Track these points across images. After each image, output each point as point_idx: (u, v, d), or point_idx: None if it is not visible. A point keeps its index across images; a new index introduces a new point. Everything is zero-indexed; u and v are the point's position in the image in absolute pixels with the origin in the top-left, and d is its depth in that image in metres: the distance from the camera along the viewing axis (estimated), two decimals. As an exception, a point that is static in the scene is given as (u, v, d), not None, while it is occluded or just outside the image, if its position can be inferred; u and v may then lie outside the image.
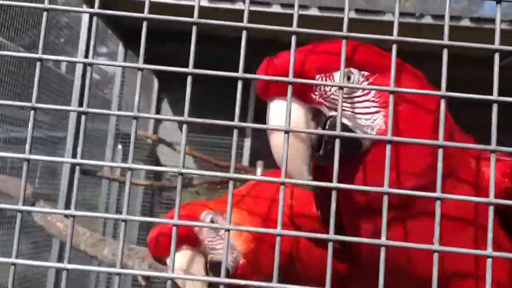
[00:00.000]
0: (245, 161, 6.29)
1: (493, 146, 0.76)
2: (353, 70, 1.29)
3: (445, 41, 0.74)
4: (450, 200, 1.07)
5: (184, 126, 0.82)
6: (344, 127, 1.25)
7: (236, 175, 0.78)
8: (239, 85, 0.78)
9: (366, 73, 1.30)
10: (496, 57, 0.74)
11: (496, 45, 0.75)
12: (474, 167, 1.35)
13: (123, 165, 0.85)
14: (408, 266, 1.33)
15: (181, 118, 0.82)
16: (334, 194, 0.79)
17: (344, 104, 1.27)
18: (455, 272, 1.33)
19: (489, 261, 0.77)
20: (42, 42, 0.85)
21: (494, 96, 0.75)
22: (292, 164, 1.23)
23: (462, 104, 1.41)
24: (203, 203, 1.70)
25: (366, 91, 1.28)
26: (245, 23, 0.80)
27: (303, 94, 1.25)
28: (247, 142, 6.35)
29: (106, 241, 2.70)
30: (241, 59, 0.80)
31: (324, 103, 1.27)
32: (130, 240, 6.18)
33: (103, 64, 0.81)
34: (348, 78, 1.28)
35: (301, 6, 5.38)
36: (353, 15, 5.31)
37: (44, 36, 0.84)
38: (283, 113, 1.14)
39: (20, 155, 0.82)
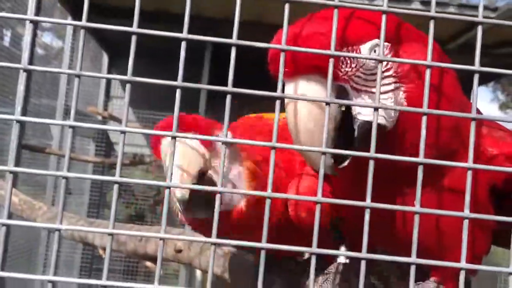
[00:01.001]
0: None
1: (473, 114, 0.80)
2: (378, 41, 1.17)
3: (432, 13, 0.78)
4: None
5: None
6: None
7: (229, 139, 0.80)
8: (233, 51, 0.80)
9: (389, 45, 1.21)
10: (479, 29, 0.78)
11: (480, 18, 0.79)
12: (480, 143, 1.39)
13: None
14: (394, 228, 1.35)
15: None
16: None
17: (367, 83, 1.19)
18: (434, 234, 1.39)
19: (465, 222, 0.81)
20: None
21: (476, 67, 0.79)
22: (315, 141, 1.15)
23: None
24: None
25: (388, 66, 1.21)
26: None
27: (323, 70, 1.10)
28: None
29: (64, 215, 2.64)
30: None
31: (349, 81, 1.18)
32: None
33: (92, 76, 0.79)
34: (374, 51, 1.19)
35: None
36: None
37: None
38: (310, 90, 1.13)
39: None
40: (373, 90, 1.18)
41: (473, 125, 0.78)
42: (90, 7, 0.83)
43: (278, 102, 0.78)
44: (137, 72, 0.81)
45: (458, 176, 1.30)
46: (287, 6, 0.79)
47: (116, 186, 0.81)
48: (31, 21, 0.82)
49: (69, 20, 6.39)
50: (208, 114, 6.38)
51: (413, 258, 0.80)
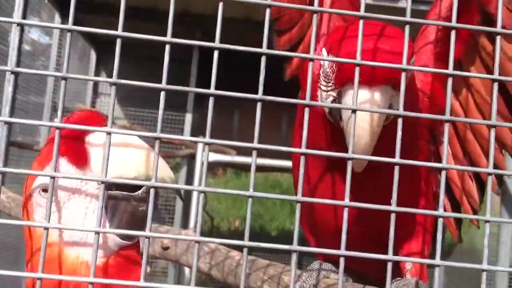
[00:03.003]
0: (187, 136, 6.30)
1: (447, 116, 0.83)
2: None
3: (407, 18, 0.81)
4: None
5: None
6: None
7: (210, 141, 0.82)
8: (215, 55, 0.82)
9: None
10: (453, 34, 0.81)
11: (453, 23, 0.82)
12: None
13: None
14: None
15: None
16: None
17: None
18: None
19: (440, 221, 0.85)
20: None
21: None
22: (368, 147, 1.24)
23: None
24: None
25: None
26: None
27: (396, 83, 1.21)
28: (188, 117, 6.36)
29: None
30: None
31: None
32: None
33: (78, 78, 0.81)
34: None
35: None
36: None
37: None
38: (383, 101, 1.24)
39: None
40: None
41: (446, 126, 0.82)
42: (77, 3, 0.85)
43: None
44: (124, 68, 0.83)
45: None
46: (268, 11, 0.82)
47: (102, 186, 0.84)
48: (18, 24, 0.84)
49: (57, 23, 6.38)
50: (196, 113, 6.40)
51: (390, 256, 0.84)
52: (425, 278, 1.54)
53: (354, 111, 0.85)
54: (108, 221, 1.12)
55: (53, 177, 0.80)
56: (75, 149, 1.07)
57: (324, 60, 1.29)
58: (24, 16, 5.47)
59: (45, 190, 1.11)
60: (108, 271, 1.11)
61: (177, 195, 1.35)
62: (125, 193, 1.12)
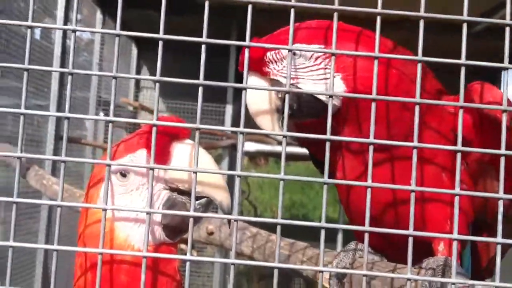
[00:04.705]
0: (228, 127, 6.40)
1: (461, 102, 0.90)
2: (299, 45, 1.51)
3: (422, 13, 0.88)
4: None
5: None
6: (307, 95, 1.53)
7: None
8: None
9: (321, 46, 1.51)
10: (464, 26, 0.88)
11: (464, 16, 0.89)
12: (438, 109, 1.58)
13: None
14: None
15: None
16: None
17: (300, 74, 1.53)
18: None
19: (456, 199, 0.92)
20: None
21: (462, 60, 0.89)
22: (264, 122, 1.56)
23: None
24: None
25: (318, 61, 1.52)
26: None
27: (260, 70, 1.56)
28: (229, 108, 6.48)
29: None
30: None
31: (278, 74, 1.55)
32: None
33: (126, 77, 0.91)
34: (294, 54, 1.53)
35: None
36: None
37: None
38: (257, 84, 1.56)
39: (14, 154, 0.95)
40: (302, 80, 1.53)
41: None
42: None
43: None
44: (164, 62, 0.93)
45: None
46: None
47: (151, 172, 0.94)
48: (73, 31, 0.95)
49: (98, 20, 6.51)
50: (236, 104, 6.49)
51: (410, 231, 0.92)
52: (457, 260, 1.59)
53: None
54: (162, 219, 1.26)
55: (109, 165, 0.91)
56: (157, 147, 1.19)
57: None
58: (66, 14, 5.66)
59: (122, 175, 1.25)
60: (150, 258, 1.22)
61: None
62: (185, 198, 1.26)
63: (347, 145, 1.58)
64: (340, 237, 6.78)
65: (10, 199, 0.96)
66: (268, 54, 1.55)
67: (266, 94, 1.56)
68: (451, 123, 1.56)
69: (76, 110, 7.00)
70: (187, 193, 1.26)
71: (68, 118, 0.95)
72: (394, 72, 1.49)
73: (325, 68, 1.52)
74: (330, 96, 0.94)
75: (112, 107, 0.97)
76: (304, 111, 1.55)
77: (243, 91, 0.96)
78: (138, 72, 8.26)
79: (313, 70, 1.53)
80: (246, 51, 0.96)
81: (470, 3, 0.92)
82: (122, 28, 0.96)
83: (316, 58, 1.53)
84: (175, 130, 1.24)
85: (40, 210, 5.19)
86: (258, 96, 1.56)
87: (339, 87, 1.49)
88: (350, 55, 1.49)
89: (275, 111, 1.56)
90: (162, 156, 1.23)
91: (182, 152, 1.25)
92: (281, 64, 1.55)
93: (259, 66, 1.55)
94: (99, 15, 6.93)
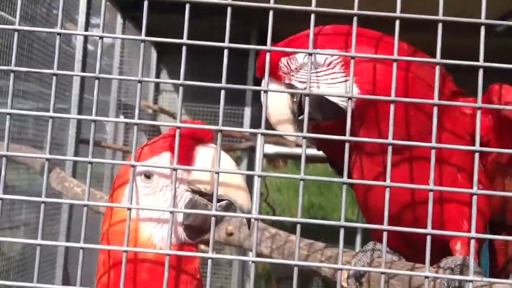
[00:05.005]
0: (247, 129, 6.43)
1: (478, 104, 0.92)
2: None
3: (440, 17, 0.90)
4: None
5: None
6: (321, 97, 1.57)
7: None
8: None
9: (335, 50, 1.56)
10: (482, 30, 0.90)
11: (482, 19, 0.90)
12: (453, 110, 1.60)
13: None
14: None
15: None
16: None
17: (313, 79, 1.58)
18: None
19: (474, 198, 0.93)
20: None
21: (480, 62, 0.91)
22: (282, 125, 1.60)
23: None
24: None
25: (331, 66, 1.57)
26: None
27: (274, 75, 1.60)
28: (247, 111, 6.50)
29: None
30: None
31: (293, 79, 1.60)
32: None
33: (150, 81, 0.94)
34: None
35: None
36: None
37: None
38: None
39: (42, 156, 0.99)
40: (315, 84, 1.58)
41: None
42: (135, 2, 0.99)
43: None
44: (185, 64, 0.96)
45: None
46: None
47: (174, 172, 0.97)
48: (100, 37, 0.98)
49: (118, 24, 6.55)
50: (255, 107, 6.52)
51: (428, 229, 0.93)
52: (475, 259, 1.60)
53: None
54: (184, 219, 1.29)
55: (133, 166, 0.94)
56: (181, 149, 1.17)
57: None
58: (87, 18, 5.72)
59: (147, 176, 1.29)
60: (172, 257, 1.27)
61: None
62: (206, 201, 1.30)
63: (362, 147, 1.62)
64: (358, 239, 6.77)
65: (38, 199, 0.99)
66: (283, 59, 1.60)
67: (283, 98, 1.61)
68: (467, 125, 1.58)
69: (97, 113, 7.06)
70: (209, 196, 1.29)
71: (94, 121, 0.98)
72: (410, 75, 1.52)
73: (338, 73, 1.57)
74: (349, 98, 0.96)
75: (137, 111, 1.00)
76: (318, 114, 1.60)
77: (263, 94, 0.98)
78: (157, 75, 8.34)
79: (326, 74, 1.57)
80: (267, 55, 0.98)
81: (490, 3, 0.94)
82: (146, 34, 0.99)
83: (329, 63, 1.57)
84: (199, 134, 1.28)
85: (61, 212, 5.26)
86: (274, 100, 1.60)
87: (353, 90, 1.51)
88: (363, 59, 1.53)
89: (291, 115, 1.61)
90: (186, 159, 1.26)
91: (205, 156, 1.28)
92: (296, 69, 1.60)
93: (274, 71, 1.60)
94: (119, 19, 6.99)
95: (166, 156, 1.29)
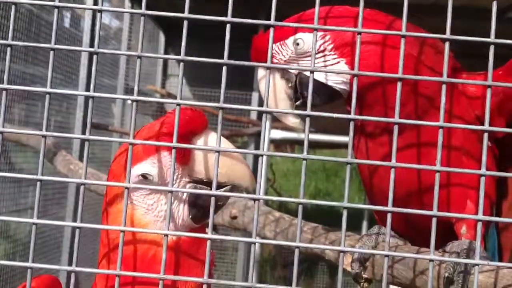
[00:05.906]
0: (253, 114, 6.41)
1: (489, 82, 0.89)
2: (301, 35, 1.54)
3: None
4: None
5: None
6: (316, 81, 1.52)
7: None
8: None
9: (323, 33, 1.54)
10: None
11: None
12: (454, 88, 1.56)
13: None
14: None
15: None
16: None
17: (304, 63, 1.55)
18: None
19: (482, 179, 0.91)
20: None
21: (491, 39, 0.88)
22: (280, 108, 1.60)
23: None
24: None
25: (321, 48, 1.54)
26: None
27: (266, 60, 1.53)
28: (255, 96, 6.47)
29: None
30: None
31: (285, 65, 1.58)
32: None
33: (150, 57, 0.91)
34: (297, 44, 1.55)
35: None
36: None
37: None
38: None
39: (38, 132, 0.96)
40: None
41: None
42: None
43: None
44: (193, 50, 0.94)
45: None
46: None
47: (173, 151, 0.95)
48: (99, 11, 0.95)
49: (128, 8, 6.54)
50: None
51: (434, 211, 0.91)
52: (481, 243, 1.58)
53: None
54: (189, 211, 1.29)
55: (131, 144, 0.92)
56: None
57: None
58: (96, 3, 5.71)
59: (144, 177, 1.26)
60: (180, 246, 1.26)
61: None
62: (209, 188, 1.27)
63: (363, 128, 1.59)
64: (364, 225, 6.76)
65: (34, 176, 0.97)
66: (274, 45, 1.56)
67: (278, 85, 1.59)
68: (471, 104, 1.55)
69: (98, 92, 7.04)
70: (211, 185, 1.27)
71: (92, 97, 0.96)
72: (411, 56, 1.50)
73: (329, 55, 1.54)
74: (355, 76, 0.93)
75: (136, 87, 0.97)
76: (315, 98, 1.54)
77: (267, 71, 0.95)
78: (165, 60, 8.32)
79: (317, 58, 1.54)
80: (271, 30, 0.96)
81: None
82: (153, 17, 0.96)
83: (319, 47, 1.55)
84: (192, 126, 1.24)
85: (67, 197, 5.27)
86: (270, 89, 1.57)
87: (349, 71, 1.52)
88: (354, 41, 1.48)
89: (288, 101, 1.60)
90: (184, 155, 1.24)
91: (203, 144, 1.26)
92: (287, 54, 1.58)
93: (265, 57, 1.56)
94: (127, 3, 6.96)
95: (166, 156, 1.26)
